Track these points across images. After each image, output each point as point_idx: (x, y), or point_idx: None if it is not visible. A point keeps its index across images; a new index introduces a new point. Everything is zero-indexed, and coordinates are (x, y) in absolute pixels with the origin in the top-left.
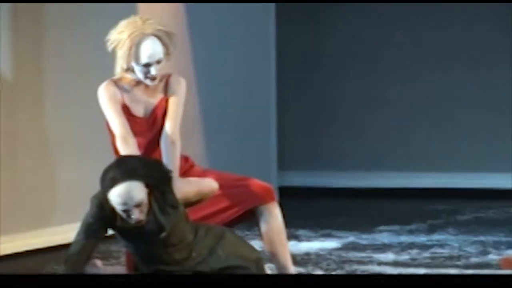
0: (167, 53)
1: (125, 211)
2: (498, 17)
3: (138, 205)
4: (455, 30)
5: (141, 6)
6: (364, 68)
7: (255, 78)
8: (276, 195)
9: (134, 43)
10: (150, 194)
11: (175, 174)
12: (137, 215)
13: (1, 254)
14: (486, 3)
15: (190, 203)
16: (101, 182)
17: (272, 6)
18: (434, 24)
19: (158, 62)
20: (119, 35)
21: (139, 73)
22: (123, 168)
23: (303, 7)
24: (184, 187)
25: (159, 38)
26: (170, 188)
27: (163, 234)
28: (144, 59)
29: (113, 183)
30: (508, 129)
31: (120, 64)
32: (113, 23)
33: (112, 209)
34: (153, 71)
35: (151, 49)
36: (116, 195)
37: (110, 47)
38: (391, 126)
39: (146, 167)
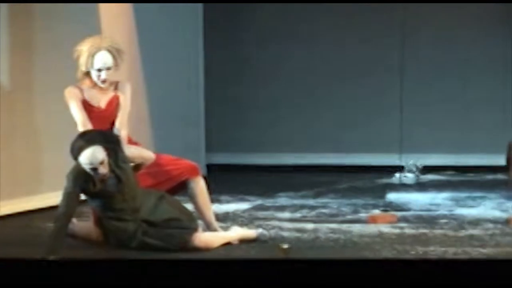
0: (116, 64)
1: (93, 169)
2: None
3: (101, 162)
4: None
5: (104, 23)
6: (273, 75)
7: (187, 78)
8: (202, 170)
9: (92, 53)
10: (108, 155)
11: (124, 141)
12: (102, 170)
13: (2, 214)
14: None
15: (135, 166)
16: (71, 152)
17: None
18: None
19: (108, 69)
20: (82, 47)
21: (94, 76)
22: (85, 138)
23: (228, 7)
24: (131, 149)
25: (110, 52)
26: (120, 148)
27: (120, 185)
28: (97, 65)
29: (80, 150)
30: (373, 119)
31: (80, 68)
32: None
33: (85, 180)
34: (103, 75)
35: (103, 58)
36: (85, 158)
37: (75, 56)
38: (293, 118)
39: (102, 135)
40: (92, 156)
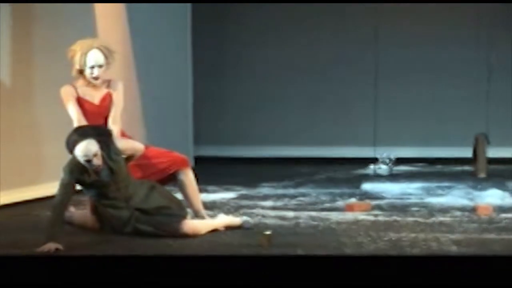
0: (107, 62)
1: (87, 161)
2: None
3: (95, 155)
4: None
5: (99, 24)
6: (256, 73)
7: (177, 76)
8: (191, 162)
9: (84, 52)
10: (101, 148)
11: (117, 135)
12: (96, 161)
13: (4, 203)
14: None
15: (127, 157)
16: (67, 145)
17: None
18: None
19: (100, 66)
20: (76, 47)
21: (87, 73)
22: (79, 133)
23: (215, 7)
24: (122, 142)
25: (101, 51)
26: (112, 141)
27: (113, 175)
28: (90, 63)
29: (75, 143)
30: (349, 114)
31: (75, 67)
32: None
33: (80, 172)
34: (95, 72)
35: (95, 57)
36: (79, 151)
37: (69, 55)
38: (275, 114)
39: (94, 129)
40: (86, 149)
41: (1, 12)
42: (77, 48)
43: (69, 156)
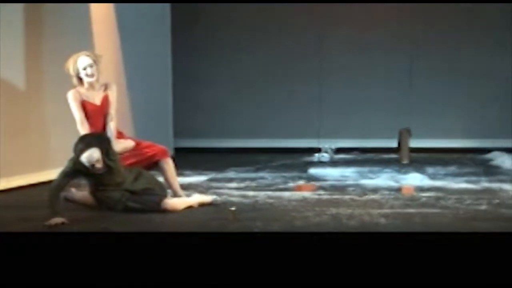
0: (96, 63)
1: (91, 165)
2: None
3: (97, 161)
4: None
5: (95, 35)
6: (225, 76)
7: (159, 79)
8: (171, 152)
9: (75, 60)
10: (102, 153)
11: (113, 139)
12: (98, 165)
13: (18, 185)
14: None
15: (121, 153)
16: (74, 151)
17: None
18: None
19: (91, 66)
20: (68, 63)
21: (83, 76)
22: (85, 142)
23: (194, 7)
24: (117, 145)
25: (88, 55)
26: (111, 147)
27: (110, 171)
28: (81, 65)
29: (81, 151)
30: (299, 111)
31: (73, 76)
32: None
33: (82, 167)
34: (89, 70)
35: (84, 59)
36: (85, 158)
37: (65, 70)
38: (240, 111)
39: (97, 138)
40: (91, 156)
41: (14, 21)
42: (69, 62)
43: (72, 147)
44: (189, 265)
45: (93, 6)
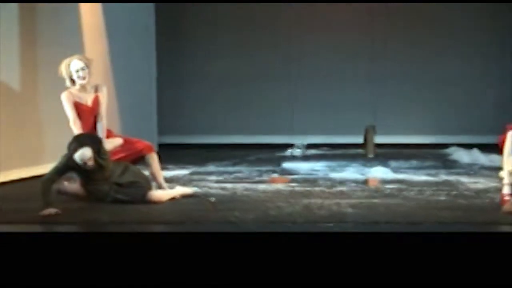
0: (87, 66)
1: (84, 163)
2: None
3: (89, 159)
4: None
5: (86, 42)
6: (206, 79)
7: (144, 76)
8: (156, 148)
9: (68, 64)
10: (94, 152)
11: (104, 139)
12: (89, 163)
13: (15, 178)
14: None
15: (111, 150)
16: (68, 150)
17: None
18: None
19: (83, 69)
20: (61, 66)
21: (76, 78)
22: (78, 141)
23: (178, 5)
24: (108, 144)
25: (80, 59)
26: (102, 147)
27: (100, 168)
28: (74, 68)
29: (75, 150)
30: (273, 110)
31: (66, 78)
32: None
33: (75, 164)
34: (81, 73)
35: (76, 63)
36: (78, 156)
37: (59, 74)
38: (218, 110)
39: (90, 139)
40: (83, 155)
41: (11, 29)
42: (62, 65)
43: (66, 144)
44: (184, 265)
45: (84, 14)
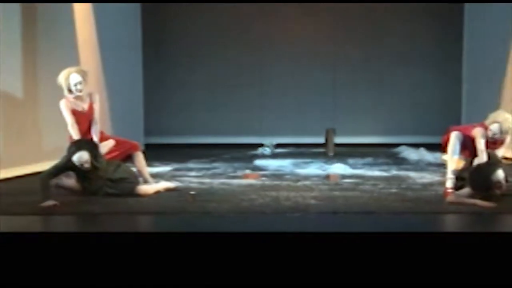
0: (84, 80)
1: (81, 165)
2: None
3: (86, 162)
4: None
5: (81, 51)
6: (188, 84)
7: (132, 84)
8: (142, 147)
9: (67, 77)
10: (91, 156)
11: (98, 143)
12: (86, 166)
13: (17, 174)
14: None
15: (105, 152)
16: (68, 152)
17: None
18: None
19: (80, 83)
20: (60, 77)
21: (73, 90)
22: (77, 145)
23: (164, 7)
24: (103, 148)
25: (78, 72)
26: (98, 150)
27: (96, 169)
28: (73, 81)
29: (73, 153)
30: (245, 113)
31: (64, 89)
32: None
33: (73, 165)
34: (78, 86)
35: (75, 77)
36: (76, 159)
37: (58, 84)
38: (199, 113)
39: (88, 144)
40: (81, 158)
41: (13, 38)
42: (62, 77)
43: (64, 144)
44: (182, 265)
45: (79, 26)
